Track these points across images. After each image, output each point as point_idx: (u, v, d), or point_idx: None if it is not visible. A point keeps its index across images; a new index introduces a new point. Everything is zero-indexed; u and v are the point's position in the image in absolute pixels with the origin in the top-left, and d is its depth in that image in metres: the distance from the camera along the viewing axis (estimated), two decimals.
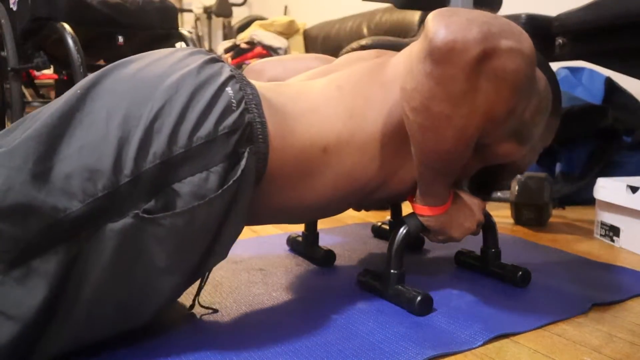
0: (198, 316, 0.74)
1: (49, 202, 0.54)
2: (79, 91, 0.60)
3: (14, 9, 1.89)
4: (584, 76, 1.98)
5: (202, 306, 0.77)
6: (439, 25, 0.61)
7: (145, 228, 0.57)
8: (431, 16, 0.63)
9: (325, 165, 0.71)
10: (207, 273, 0.72)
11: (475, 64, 0.61)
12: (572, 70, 2.02)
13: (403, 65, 0.71)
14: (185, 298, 0.78)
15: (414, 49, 0.66)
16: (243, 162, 0.62)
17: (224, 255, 0.67)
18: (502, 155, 0.77)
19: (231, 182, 0.60)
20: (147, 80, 0.61)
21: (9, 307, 0.54)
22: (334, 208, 0.80)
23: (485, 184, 0.93)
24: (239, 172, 0.61)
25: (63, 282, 0.55)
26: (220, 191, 0.60)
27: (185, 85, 0.61)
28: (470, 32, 0.60)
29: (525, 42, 0.63)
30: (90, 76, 0.62)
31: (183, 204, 0.58)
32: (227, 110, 0.61)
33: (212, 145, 0.60)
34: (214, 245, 0.64)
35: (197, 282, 0.73)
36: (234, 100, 0.62)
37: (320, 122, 0.71)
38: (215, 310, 0.75)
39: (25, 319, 0.54)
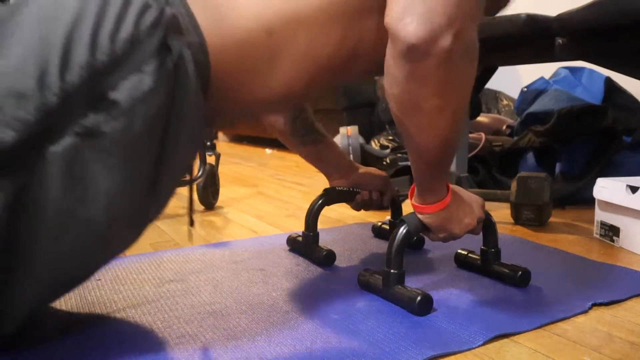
0: (198, 317, 0.74)
1: None
2: None
3: None
4: (584, 76, 1.98)
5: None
6: (402, 26, 0.60)
7: (88, 144, 0.55)
8: (390, 20, 0.61)
9: (277, 50, 0.68)
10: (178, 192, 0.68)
11: (451, 48, 0.60)
12: (572, 70, 2.02)
13: None
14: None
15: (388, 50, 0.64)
16: (175, 53, 0.59)
17: (180, 165, 0.64)
18: None
19: (165, 74, 0.58)
20: None
21: None
22: (304, 93, 0.76)
23: None
24: (172, 64, 0.59)
25: (16, 213, 0.53)
26: (154, 84, 0.57)
27: None
28: (435, 20, 0.59)
29: (464, 4, 0.61)
30: None
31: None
32: (145, 7, 0.59)
33: (137, 46, 0.57)
34: (164, 152, 0.61)
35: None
36: None
37: (258, 3, 0.67)
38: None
39: None
